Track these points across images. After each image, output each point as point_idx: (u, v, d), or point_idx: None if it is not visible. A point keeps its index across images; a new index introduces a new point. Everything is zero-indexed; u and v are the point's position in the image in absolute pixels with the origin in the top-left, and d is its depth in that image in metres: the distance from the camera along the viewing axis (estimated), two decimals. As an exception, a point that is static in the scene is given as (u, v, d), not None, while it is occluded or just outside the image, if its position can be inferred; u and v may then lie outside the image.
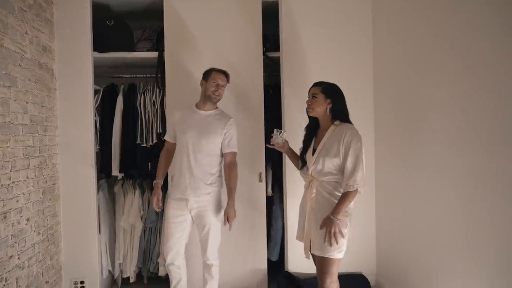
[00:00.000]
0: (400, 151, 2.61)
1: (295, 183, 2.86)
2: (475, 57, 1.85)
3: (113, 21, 2.83)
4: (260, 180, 2.92)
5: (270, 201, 3.06)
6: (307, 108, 2.15)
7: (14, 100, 2.13)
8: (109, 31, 2.82)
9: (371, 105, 2.97)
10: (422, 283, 2.39)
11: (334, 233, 1.95)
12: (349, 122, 2.13)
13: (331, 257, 2.03)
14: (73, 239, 2.75)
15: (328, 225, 1.97)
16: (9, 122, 2.08)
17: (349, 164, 1.99)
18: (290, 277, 2.87)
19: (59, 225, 2.71)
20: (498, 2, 1.72)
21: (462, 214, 1.96)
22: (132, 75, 3.15)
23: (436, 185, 2.19)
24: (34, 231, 2.35)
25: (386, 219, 2.85)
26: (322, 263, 2.08)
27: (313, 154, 2.13)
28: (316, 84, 2.15)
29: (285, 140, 2.33)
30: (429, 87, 2.24)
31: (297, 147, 2.35)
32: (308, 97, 2.15)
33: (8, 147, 2.07)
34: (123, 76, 3.15)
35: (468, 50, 1.90)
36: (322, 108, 2.10)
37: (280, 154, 2.93)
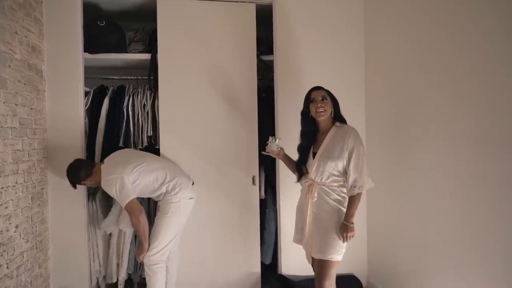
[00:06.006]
0: (391, 153, 2.65)
1: (288, 186, 2.89)
2: (470, 56, 1.86)
3: (104, 21, 2.76)
4: (254, 183, 2.92)
5: (263, 204, 3.06)
6: (317, 112, 2.09)
7: (4, 102, 2.05)
8: (100, 32, 2.75)
9: (363, 107, 3.03)
10: (412, 283, 2.44)
11: (351, 237, 2.02)
12: (346, 123, 2.18)
13: (332, 259, 2.05)
14: (62, 246, 2.67)
15: (344, 231, 2.02)
16: (-1, 125, 2.00)
17: (353, 166, 2.02)
18: (284, 280, 2.87)
19: (47, 231, 2.61)
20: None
21: (453, 216, 2.00)
22: (122, 77, 3.08)
23: (427, 187, 2.24)
24: (23, 238, 2.25)
25: (377, 220, 2.91)
26: (321, 265, 2.09)
27: (313, 158, 2.14)
28: (320, 88, 2.16)
29: (280, 148, 2.31)
30: (422, 87, 2.27)
31: (292, 151, 2.35)
32: (314, 101, 2.12)
33: (-3, 151, 1.99)
34: (113, 78, 3.07)
35: (464, 48, 1.90)
36: (331, 110, 2.12)
37: (272, 158, 2.93)
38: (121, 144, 2.88)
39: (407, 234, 2.48)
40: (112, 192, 2.26)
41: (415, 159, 2.36)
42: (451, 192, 2.02)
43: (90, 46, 2.72)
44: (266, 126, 2.97)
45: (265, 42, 3.06)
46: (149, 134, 2.95)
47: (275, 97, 2.94)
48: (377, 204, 2.89)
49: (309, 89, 2.21)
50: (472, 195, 1.85)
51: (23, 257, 2.25)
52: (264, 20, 2.97)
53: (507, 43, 1.61)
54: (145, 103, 2.95)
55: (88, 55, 2.73)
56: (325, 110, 2.09)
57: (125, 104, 2.90)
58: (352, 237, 2.02)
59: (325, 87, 2.19)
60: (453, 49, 1.98)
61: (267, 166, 3.07)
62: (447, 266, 2.08)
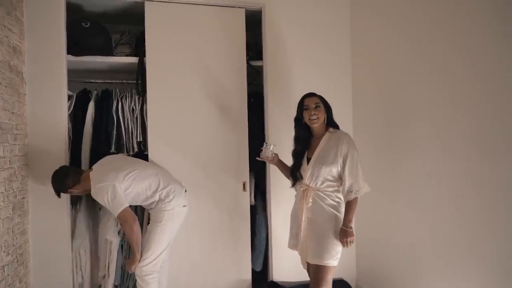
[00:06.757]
0: (379, 154, 2.68)
1: (278, 192, 2.87)
2: (458, 56, 1.87)
3: (89, 23, 2.65)
4: (244, 189, 2.89)
5: (253, 210, 3.03)
6: (311, 119, 2.10)
7: (-16, 106, 1.92)
8: (85, 33, 2.63)
9: (351, 108, 3.06)
10: (401, 286, 2.47)
11: (351, 242, 2.02)
12: (339, 129, 2.20)
13: (328, 265, 2.05)
14: (43, 259, 2.51)
15: (343, 236, 2.03)
16: (-20, 130, 1.87)
17: (348, 172, 2.03)
18: (275, 286, 2.85)
19: (28, 243, 2.46)
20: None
21: (446, 217, 2.04)
22: (106, 81, 2.96)
23: (417, 189, 2.27)
24: (4, 251, 2.10)
25: (366, 223, 2.94)
26: (318, 271, 2.08)
27: (307, 163, 2.14)
28: (313, 94, 2.17)
29: (275, 153, 2.30)
30: (410, 88, 2.30)
31: (282, 155, 2.34)
32: (307, 108, 2.12)
33: (-22, 158, 1.85)
34: (97, 81, 2.95)
35: (453, 48, 1.91)
36: (324, 117, 2.13)
37: (263, 163, 2.91)
38: (113, 150, 2.76)
39: (396, 237, 2.52)
40: (103, 201, 2.16)
41: (405, 161, 2.39)
42: (443, 193, 2.05)
43: (74, 48, 2.60)
44: (256, 131, 2.95)
45: (254, 48, 3.05)
46: (138, 140, 2.85)
47: (264, 102, 2.93)
48: (366, 207, 2.91)
49: (303, 95, 2.21)
50: (466, 196, 1.88)
51: (3, 271, 2.10)
52: (253, 25, 2.96)
53: (506, 43, 1.62)
54: (134, 107, 2.85)
55: (72, 57, 2.61)
56: (318, 117, 2.11)
57: (113, 108, 2.77)
58: (352, 242, 2.03)
59: (314, 90, 2.21)
60: (446, 49, 2.00)
61: (257, 171, 3.04)
62: (437, 268, 2.12)
